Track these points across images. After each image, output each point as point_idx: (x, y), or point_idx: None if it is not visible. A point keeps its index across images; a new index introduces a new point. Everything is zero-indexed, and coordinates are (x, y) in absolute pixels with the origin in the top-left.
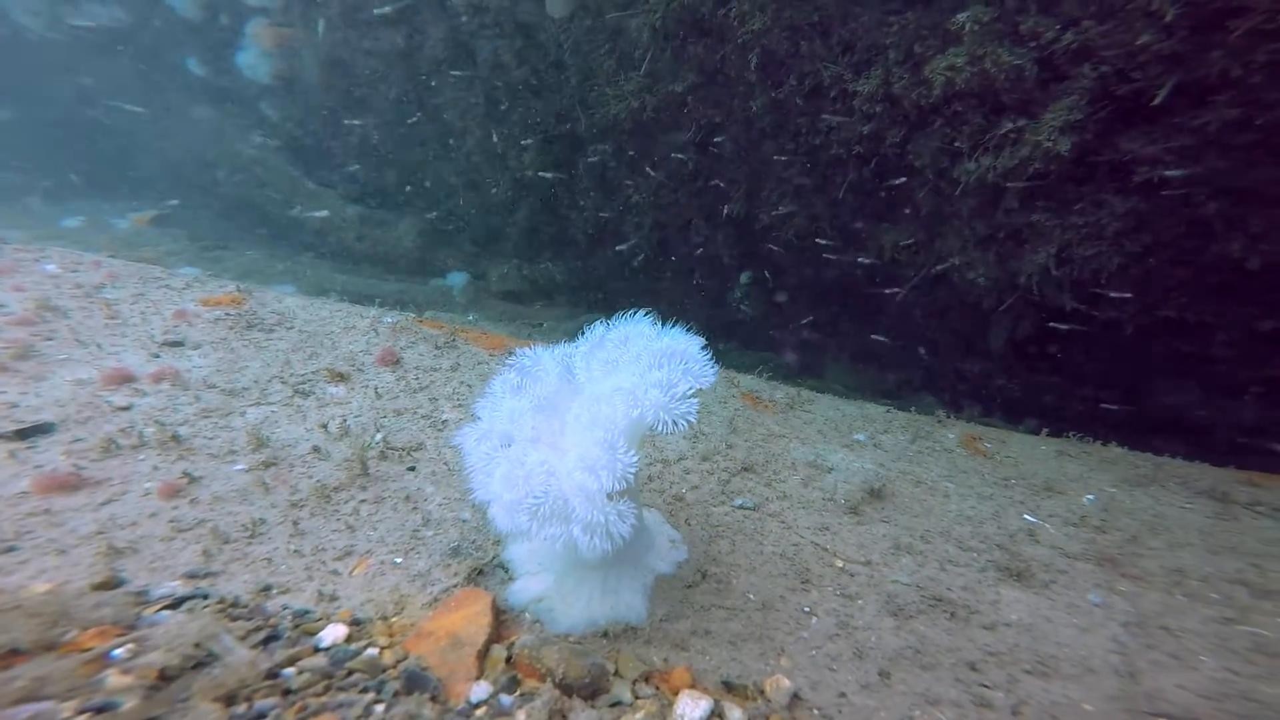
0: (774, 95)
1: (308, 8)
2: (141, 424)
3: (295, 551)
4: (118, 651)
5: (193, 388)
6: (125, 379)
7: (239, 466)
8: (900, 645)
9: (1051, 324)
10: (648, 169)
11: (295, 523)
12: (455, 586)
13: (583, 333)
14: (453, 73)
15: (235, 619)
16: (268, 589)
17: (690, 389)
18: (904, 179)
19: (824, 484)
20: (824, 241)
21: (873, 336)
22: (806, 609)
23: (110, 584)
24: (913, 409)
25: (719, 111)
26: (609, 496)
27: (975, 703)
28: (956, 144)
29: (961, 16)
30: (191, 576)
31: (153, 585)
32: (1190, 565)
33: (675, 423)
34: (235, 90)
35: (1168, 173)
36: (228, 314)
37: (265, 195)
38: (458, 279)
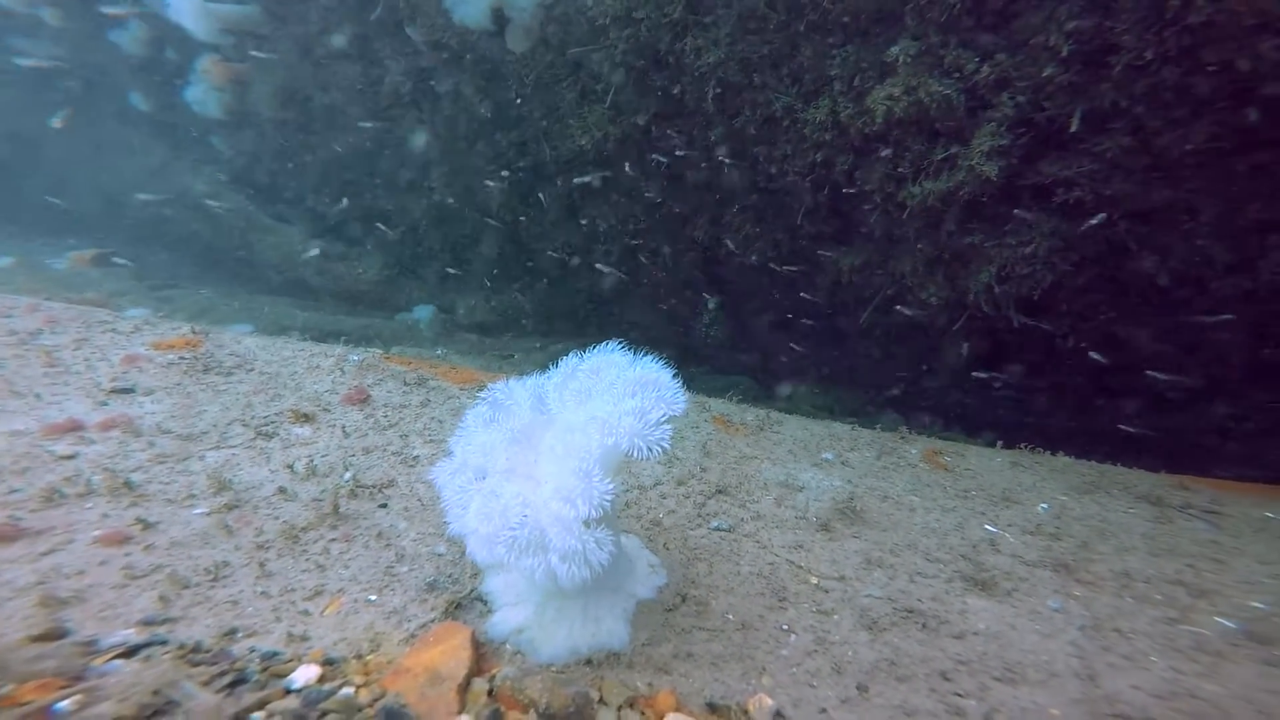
0: (732, 125)
1: (261, 44)
2: (88, 472)
3: (262, 593)
4: (63, 704)
5: (146, 434)
6: (69, 428)
7: (199, 510)
8: (876, 658)
9: (998, 341)
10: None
11: (261, 564)
12: (433, 621)
13: (555, 363)
14: (416, 114)
15: (197, 664)
16: (233, 632)
17: (664, 416)
18: (855, 204)
19: (796, 503)
20: (787, 267)
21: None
22: (785, 627)
23: (53, 635)
24: (878, 426)
25: (681, 141)
26: (586, 524)
27: (950, 712)
28: (899, 169)
29: (894, 49)
30: (147, 623)
31: (103, 635)
32: (1135, 568)
33: (650, 449)
34: (183, 125)
35: (1078, 195)
36: (182, 357)
37: (218, 232)
38: (424, 312)
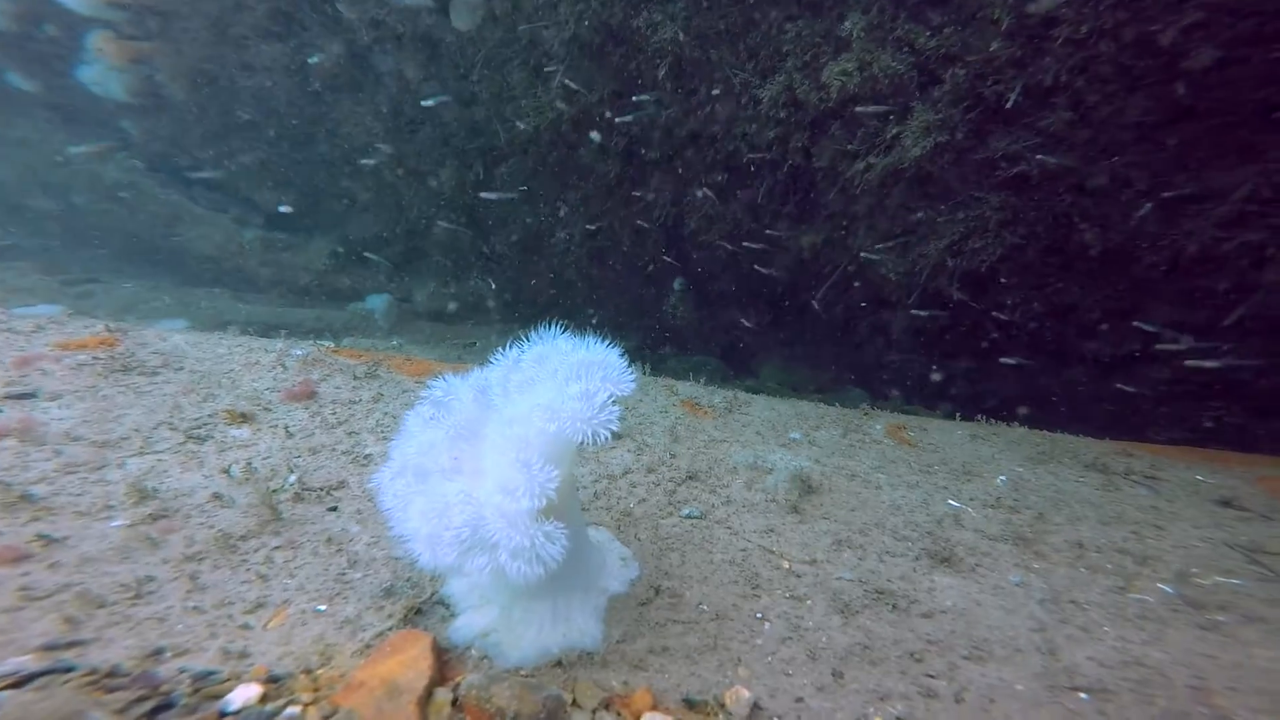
0: (689, 102)
1: (167, 21)
2: None
3: (194, 608)
4: None
5: (51, 442)
6: None
7: (117, 523)
8: (849, 643)
9: (942, 311)
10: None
11: (193, 577)
12: (390, 629)
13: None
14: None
15: (113, 690)
16: (158, 652)
17: (610, 397)
18: (812, 181)
19: (765, 485)
20: (749, 245)
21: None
22: (759, 615)
23: None
24: (836, 403)
25: (638, 123)
26: (534, 518)
27: (922, 694)
28: (851, 146)
29: (847, 24)
30: (49, 649)
31: None
32: (1087, 538)
33: (596, 433)
34: (82, 109)
35: (1028, 168)
36: (95, 358)
37: (139, 222)
38: (378, 302)
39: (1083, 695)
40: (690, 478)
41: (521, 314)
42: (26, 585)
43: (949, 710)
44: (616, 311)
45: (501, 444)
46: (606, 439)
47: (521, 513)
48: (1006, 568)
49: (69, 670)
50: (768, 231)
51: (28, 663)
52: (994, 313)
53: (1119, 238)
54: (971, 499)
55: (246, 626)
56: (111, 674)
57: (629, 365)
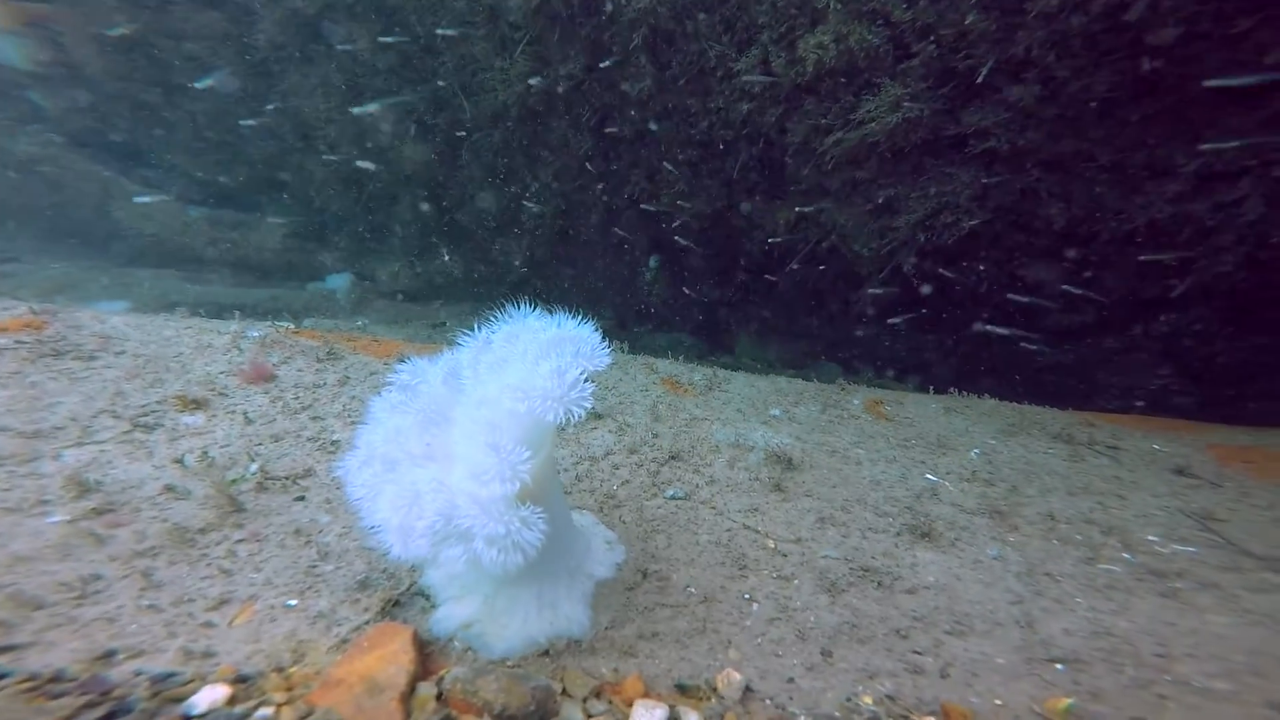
0: (664, 76)
1: None
2: None
3: (149, 606)
4: None
5: None
6: None
7: (54, 519)
8: (837, 622)
9: (918, 290)
10: (544, 154)
11: (145, 574)
12: (367, 624)
13: (447, 338)
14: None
15: (56, 696)
16: (109, 655)
17: (583, 373)
18: (786, 156)
19: (748, 463)
20: (721, 221)
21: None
22: (747, 596)
23: None
24: (813, 378)
25: (611, 94)
26: (509, 504)
27: (909, 670)
28: (825, 120)
29: None
30: None
31: None
32: (1058, 509)
33: (570, 412)
34: None
35: (995, 145)
36: (19, 342)
37: (64, 200)
38: (339, 281)
39: (1059, 666)
40: (673, 458)
41: (491, 292)
42: None
43: (934, 685)
44: (589, 289)
45: (471, 428)
46: (580, 417)
47: (495, 499)
48: (984, 541)
49: (2, 677)
50: (742, 207)
51: None
52: (957, 285)
53: (1081, 212)
54: (948, 473)
55: (209, 624)
56: (55, 679)
57: (604, 341)
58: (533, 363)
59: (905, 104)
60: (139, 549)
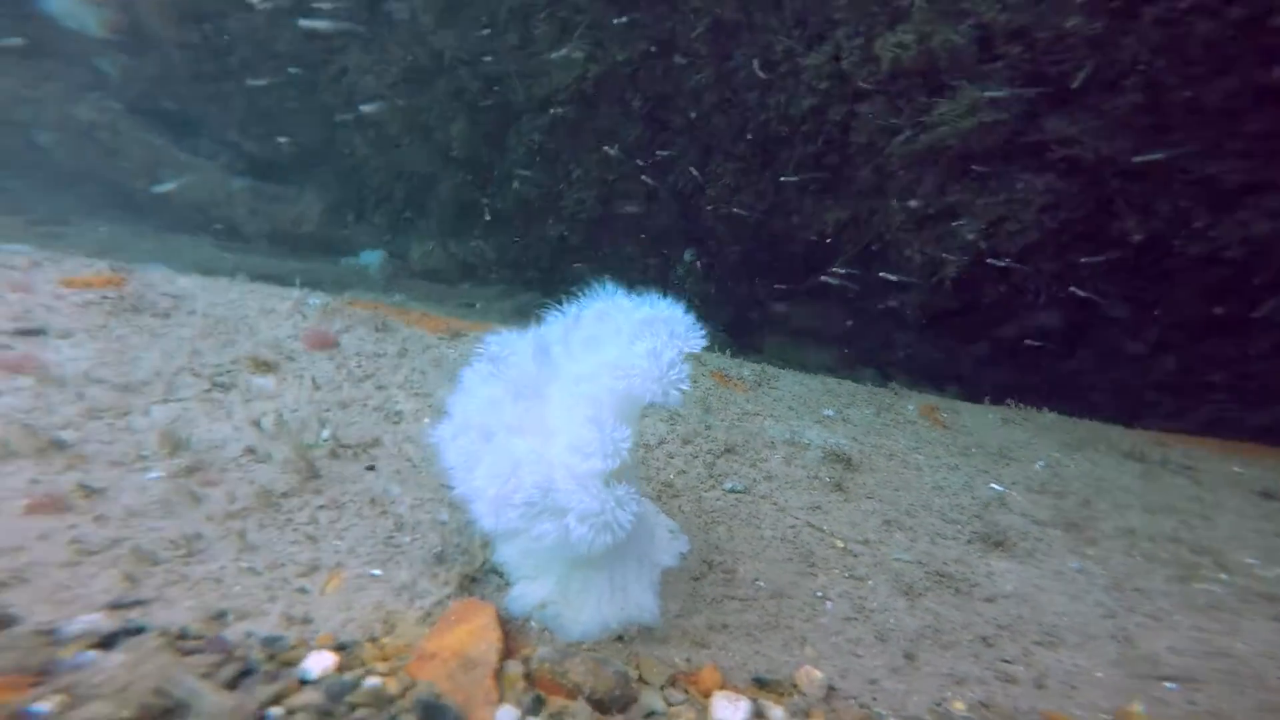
0: (724, 67)
1: None
2: (1, 429)
3: (248, 569)
4: (42, 706)
5: (71, 384)
6: None
7: (153, 474)
8: (919, 625)
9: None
10: (597, 143)
11: (241, 535)
12: (448, 598)
13: (524, 314)
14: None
15: (189, 653)
16: (222, 615)
17: (679, 354)
18: (846, 155)
19: (805, 461)
20: (767, 217)
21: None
22: (819, 593)
23: None
24: (866, 383)
25: (667, 83)
26: (606, 482)
27: (999, 678)
28: (895, 121)
29: None
30: (116, 607)
31: (61, 621)
32: (1137, 526)
33: (667, 393)
34: (51, 43)
35: (1079, 153)
36: (104, 296)
37: (116, 166)
38: (372, 257)
39: (1169, 684)
40: (728, 450)
41: (523, 277)
42: (77, 539)
43: (1030, 695)
44: (622, 277)
45: (569, 402)
46: (678, 399)
47: (594, 474)
48: (1062, 553)
49: (140, 630)
50: (792, 204)
51: (99, 621)
52: (1014, 296)
53: (1161, 225)
54: (1014, 483)
55: (304, 590)
56: (182, 636)
57: (696, 322)
58: (628, 341)
59: (983, 108)
60: (232, 510)
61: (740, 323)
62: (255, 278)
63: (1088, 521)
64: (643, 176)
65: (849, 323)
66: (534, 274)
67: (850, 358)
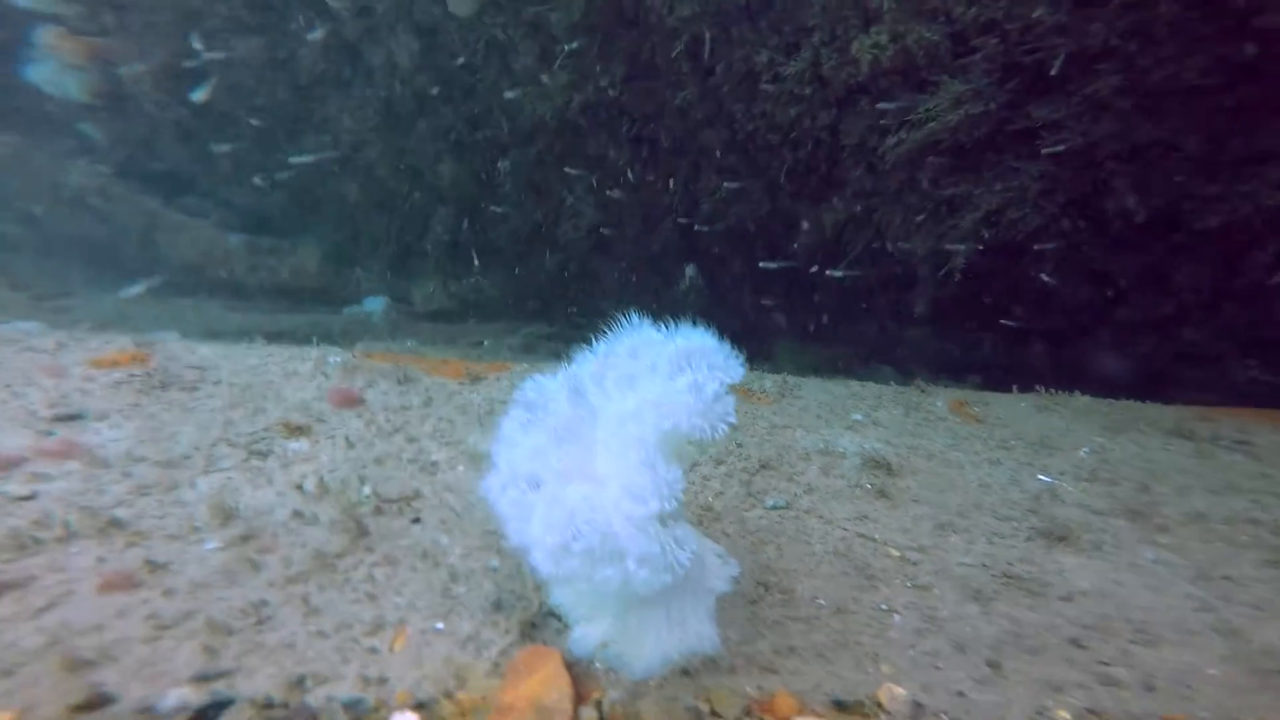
0: (706, 83)
1: (124, 14)
2: (60, 512)
3: (317, 632)
4: None
5: (116, 464)
6: (12, 464)
7: (210, 545)
8: (997, 631)
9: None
10: (583, 170)
11: (304, 599)
12: (512, 646)
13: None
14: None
15: None
16: (301, 680)
17: (722, 387)
18: (837, 157)
19: (843, 470)
20: (765, 226)
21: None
22: (883, 606)
23: (97, 702)
24: (891, 382)
25: (651, 104)
26: (662, 523)
27: (1101, 682)
28: (883, 121)
29: None
30: (201, 679)
31: (154, 697)
32: (1205, 509)
33: (715, 427)
34: (36, 111)
35: (1064, 140)
36: (131, 375)
37: (109, 231)
38: (375, 304)
39: None
40: (763, 466)
41: (525, 309)
42: (152, 613)
43: (1141, 699)
44: (625, 299)
45: (615, 445)
46: (725, 432)
47: (650, 517)
48: (1132, 544)
49: (229, 703)
50: (787, 212)
51: (188, 694)
52: (1024, 280)
53: (1161, 202)
54: (1061, 473)
55: (374, 650)
56: (268, 705)
57: (733, 349)
58: (666, 377)
59: (968, 100)
60: (290, 574)
61: (748, 332)
62: (265, 335)
63: (1150, 508)
64: (634, 197)
65: (859, 321)
66: (535, 305)
67: (864, 355)
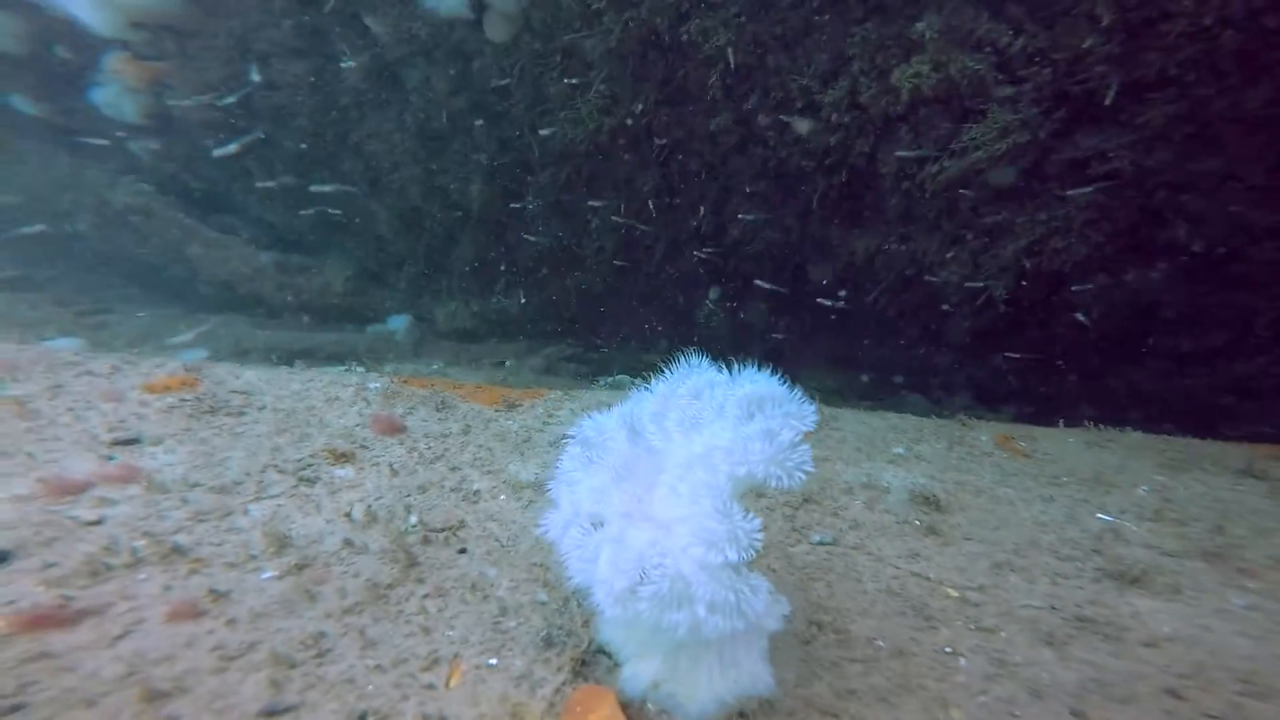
0: (740, 109)
1: (185, 40)
2: (126, 537)
3: (375, 667)
4: None
5: (174, 490)
6: (79, 488)
7: (267, 574)
8: (1078, 679)
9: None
10: (612, 195)
11: (361, 631)
12: (565, 684)
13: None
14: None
15: None
16: (362, 718)
17: (797, 435)
18: (872, 187)
19: (889, 505)
20: (794, 252)
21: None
22: (947, 649)
23: None
24: (933, 415)
25: (682, 129)
26: (737, 571)
27: None
28: (924, 149)
29: (919, 25)
30: (269, 714)
31: None
32: None
33: (790, 475)
34: (90, 130)
35: (1117, 167)
36: (182, 400)
37: (150, 247)
38: (399, 322)
39: None
40: (806, 500)
41: (547, 330)
42: (218, 644)
43: None
44: (647, 323)
45: (685, 489)
46: (801, 481)
47: (725, 565)
48: (1216, 588)
49: None
50: (818, 238)
51: None
52: (1063, 310)
53: (1217, 233)
54: (1122, 511)
55: (431, 686)
56: None
57: (803, 397)
58: (734, 422)
59: (1014, 131)
60: (345, 606)
61: (774, 357)
62: (293, 353)
63: (1230, 551)
64: (660, 220)
65: (887, 348)
66: (558, 326)
67: (892, 383)
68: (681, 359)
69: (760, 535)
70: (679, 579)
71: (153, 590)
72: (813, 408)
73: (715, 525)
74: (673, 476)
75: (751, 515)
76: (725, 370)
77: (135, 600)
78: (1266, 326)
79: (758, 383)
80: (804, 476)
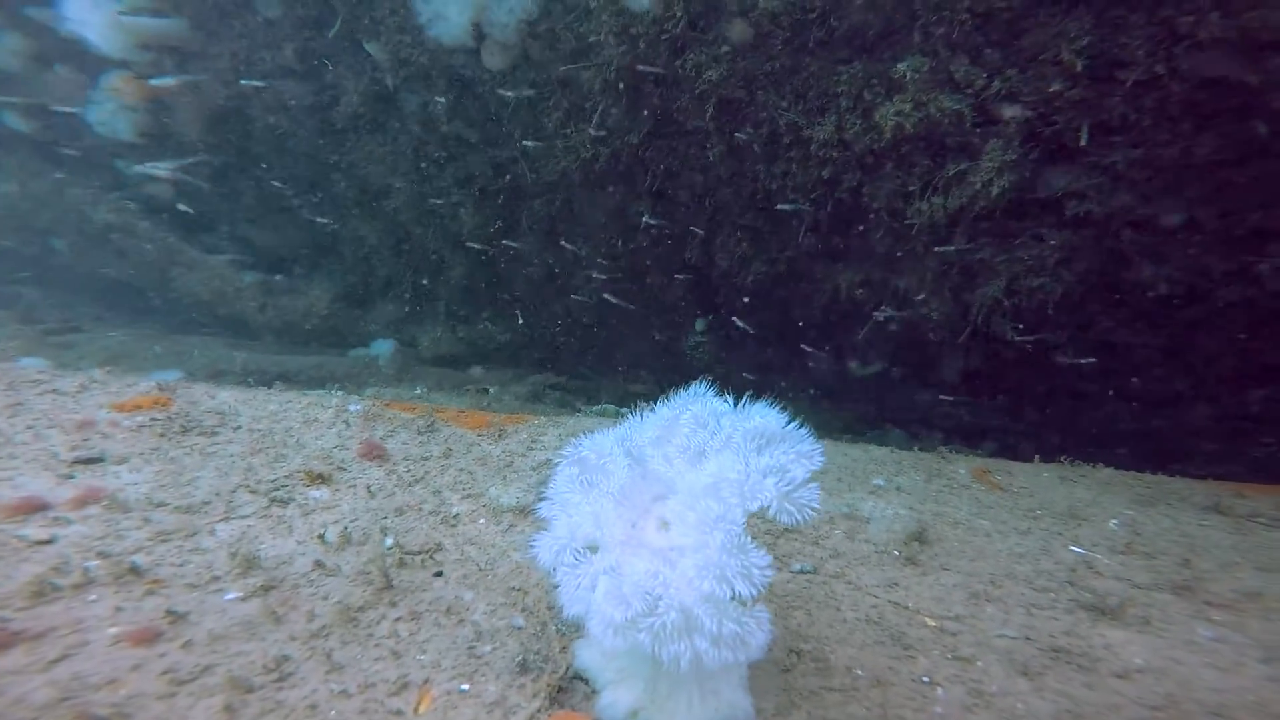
0: (731, 143)
1: (185, 61)
2: (78, 558)
3: (340, 692)
4: None
5: (136, 509)
6: (33, 508)
7: (231, 595)
8: (1053, 709)
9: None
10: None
11: (328, 655)
12: (540, 712)
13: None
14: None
15: None
16: None
17: (807, 474)
18: (858, 222)
19: (869, 535)
20: (780, 284)
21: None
22: (925, 679)
23: None
24: (916, 447)
25: (675, 160)
26: (742, 604)
27: None
28: (909, 187)
29: (901, 66)
30: None
31: None
32: (1257, 587)
33: (800, 513)
34: (69, 146)
35: (1089, 208)
36: (153, 419)
37: (126, 266)
38: (383, 347)
39: None
40: (787, 529)
41: (533, 357)
42: (170, 668)
43: None
44: (632, 353)
45: (692, 520)
46: (810, 519)
47: (730, 599)
48: (1185, 620)
49: None
50: (805, 271)
51: None
52: (1040, 352)
53: (1180, 274)
54: (1094, 544)
55: (399, 712)
56: None
57: (810, 434)
58: (741, 455)
59: (1004, 171)
60: (313, 629)
61: (757, 389)
62: (270, 376)
63: (1197, 584)
64: (649, 252)
65: (869, 383)
66: (543, 354)
67: (874, 417)
68: (675, 389)
69: (771, 572)
70: (684, 611)
71: (102, 612)
72: (820, 446)
73: (727, 559)
74: (679, 505)
75: (762, 550)
76: (729, 401)
77: (80, 623)
78: (1225, 370)
79: (767, 416)
80: (812, 514)
